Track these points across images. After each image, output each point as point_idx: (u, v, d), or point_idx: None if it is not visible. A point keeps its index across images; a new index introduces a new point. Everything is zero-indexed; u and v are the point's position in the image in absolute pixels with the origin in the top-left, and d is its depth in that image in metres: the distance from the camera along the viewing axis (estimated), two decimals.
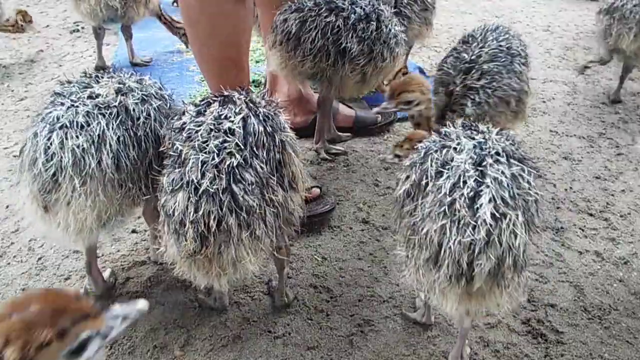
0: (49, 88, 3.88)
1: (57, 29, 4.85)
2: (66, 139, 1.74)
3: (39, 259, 2.38)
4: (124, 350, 1.97)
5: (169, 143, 1.78)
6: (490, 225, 1.44)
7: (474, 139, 1.63)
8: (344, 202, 2.71)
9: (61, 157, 1.73)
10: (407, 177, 1.67)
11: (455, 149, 1.60)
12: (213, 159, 1.64)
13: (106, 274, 2.21)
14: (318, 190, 2.59)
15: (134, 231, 2.50)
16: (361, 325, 2.06)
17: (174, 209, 1.64)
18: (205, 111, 1.78)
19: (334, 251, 2.41)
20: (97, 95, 1.84)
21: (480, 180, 1.50)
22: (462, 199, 1.48)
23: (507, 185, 1.49)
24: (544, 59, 4.34)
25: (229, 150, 1.66)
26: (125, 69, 2.06)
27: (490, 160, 1.54)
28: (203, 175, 1.62)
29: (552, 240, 2.45)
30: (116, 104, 1.82)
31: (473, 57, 2.38)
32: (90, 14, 3.75)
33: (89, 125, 1.76)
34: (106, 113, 1.80)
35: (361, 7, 2.64)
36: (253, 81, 3.55)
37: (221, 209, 1.61)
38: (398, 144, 2.23)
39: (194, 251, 1.63)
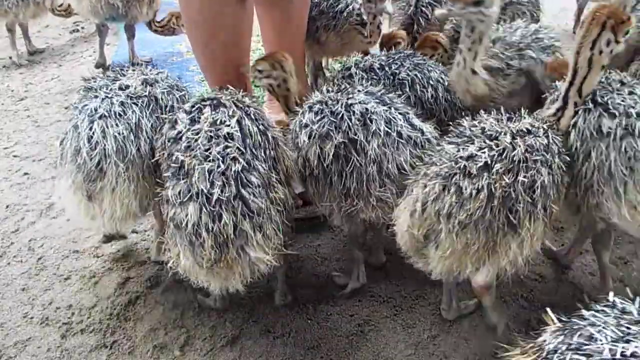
0: (49, 88, 3.89)
1: (57, 29, 4.85)
2: (107, 127, 1.82)
3: (39, 259, 2.38)
4: (124, 350, 1.97)
5: (166, 154, 1.78)
6: None
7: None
8: None
9: (104, 145, 1.80)
10: None
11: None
12: (219, 166, 1.65)
13: None
14: None
15: (134, 231, 2.50)
16: (361, 325, 2.06)
17: (186, 221, 1.63)
18: (199, 118, 1.78)
19: (334, 251, 2.41)
20: (127, 87, 1.92)
21: None
22: None
23: None
24: None
25: (232, 155, 1.67)
26: (145, 64, 2.17)
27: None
28: (212, 184, 1.63)
29: (552, 240, 2.45)
30: (146, 93, 1.91)
31: None
32: (92, 11, 3.77)
33: (125, 114, 1.85)
34: (138, 102, 1.88)
35: None
36: (253, 81, 3.55)
37: (235, 216, 1.62)
38: None
39: (214, 260, 1.63)
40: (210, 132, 1.71)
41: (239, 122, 1.75)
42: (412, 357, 1.95)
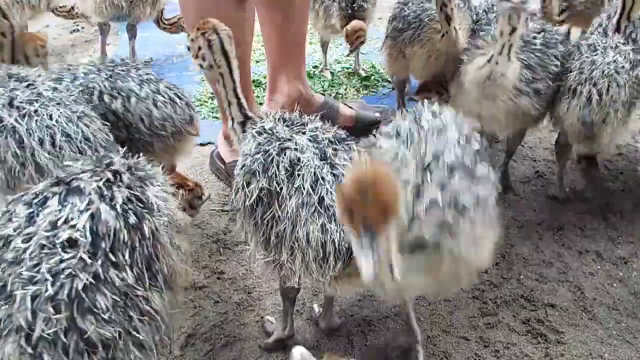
0: None
1: (57, 29, 4.85)
2: None
3: None
4: None
5: None
6: None
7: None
8: None
9: None
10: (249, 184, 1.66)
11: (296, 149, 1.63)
12: (47, 289, 1.25)
13: None
14: None
15: None
16: (361, 325, 2.06)
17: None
18: (38, 214, 1.37)
19: None
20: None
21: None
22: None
23: None
24: None
25: (68, 271, 1.27)
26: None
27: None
28: (34, 315, 1.24)
29: (552, 240, 2.45)
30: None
31: None
32: (96, 11, 3.79)
33: None
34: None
35: None
36: (253, 81, 3.55)
37: (67, 356, 1.25)
38: None
39: None
40: (45, 238, 1.32)
41: (92, 217, 1.35)
42: None
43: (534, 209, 2.64)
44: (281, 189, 1.60)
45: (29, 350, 1.24)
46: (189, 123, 2.22)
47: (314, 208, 1.55)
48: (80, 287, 1.27)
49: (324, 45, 3.85)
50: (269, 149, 1.65)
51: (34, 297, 1.25)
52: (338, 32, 3.48)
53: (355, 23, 3.30)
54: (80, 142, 1.74)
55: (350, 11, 3.37)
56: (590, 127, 2.26)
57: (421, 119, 1.56)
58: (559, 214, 2.61)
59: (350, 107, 3.32)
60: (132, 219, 1.39)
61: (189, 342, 2.00)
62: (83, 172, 1.47)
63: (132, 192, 1.45)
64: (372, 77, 3.86)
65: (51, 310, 1.25)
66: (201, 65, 1.91)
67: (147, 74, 2.17)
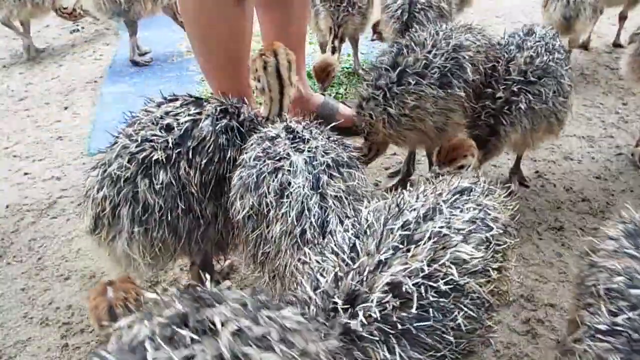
0: (49, 88, 3.89)
1: (57, 29, 4.85)
2: None
3: (39, 259, 2.38)
4: None
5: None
6: None
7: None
8: None
9: None
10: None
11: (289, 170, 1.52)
12: (135, 148, 1.65)
13: None
14: None
15: None
16: None
17: (88, 183, 1.73)
18: (162, 105, 1.79)
19: None
20: None
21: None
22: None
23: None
24: None
25: (152, 144, 1.65)
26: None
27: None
28: (117, 157, 1.66)
29: (552, 240, 2.45)
30: None
31: None
32: (95, 7, 3.83)
33: None
34: None
35: None
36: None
37: (117, 196, 1.63)
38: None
39: (89, 229, 1.69)
40: (155, 118, 1.72)
41: (194, 121, 1.70)
42: None
43: (534, 209, 2.64)
44: (268, 211, 1.50)
45: (99, 178, 1.66)
46: None
47: (295, 240, 1.45)
48: (154, 159, 1.62)
49: (322, 46, 3.85)
50: (262, 166, 1.56)
51: (123, 147, 1.66)
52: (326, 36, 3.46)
53: (322, 60, 3.17)
54: None
55: (336, 15, 3.34)
56: (569, 20, 3.35)
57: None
58: (559, 214, 2.61)
59: (350, 107, 3.32)
60: (222, 140, 1.69)
61: None
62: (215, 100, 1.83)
63: (240, 128, 1.74)
64: None
65: (127, 160, 1.63)
66: (255, 87, 1.86)
67: None
